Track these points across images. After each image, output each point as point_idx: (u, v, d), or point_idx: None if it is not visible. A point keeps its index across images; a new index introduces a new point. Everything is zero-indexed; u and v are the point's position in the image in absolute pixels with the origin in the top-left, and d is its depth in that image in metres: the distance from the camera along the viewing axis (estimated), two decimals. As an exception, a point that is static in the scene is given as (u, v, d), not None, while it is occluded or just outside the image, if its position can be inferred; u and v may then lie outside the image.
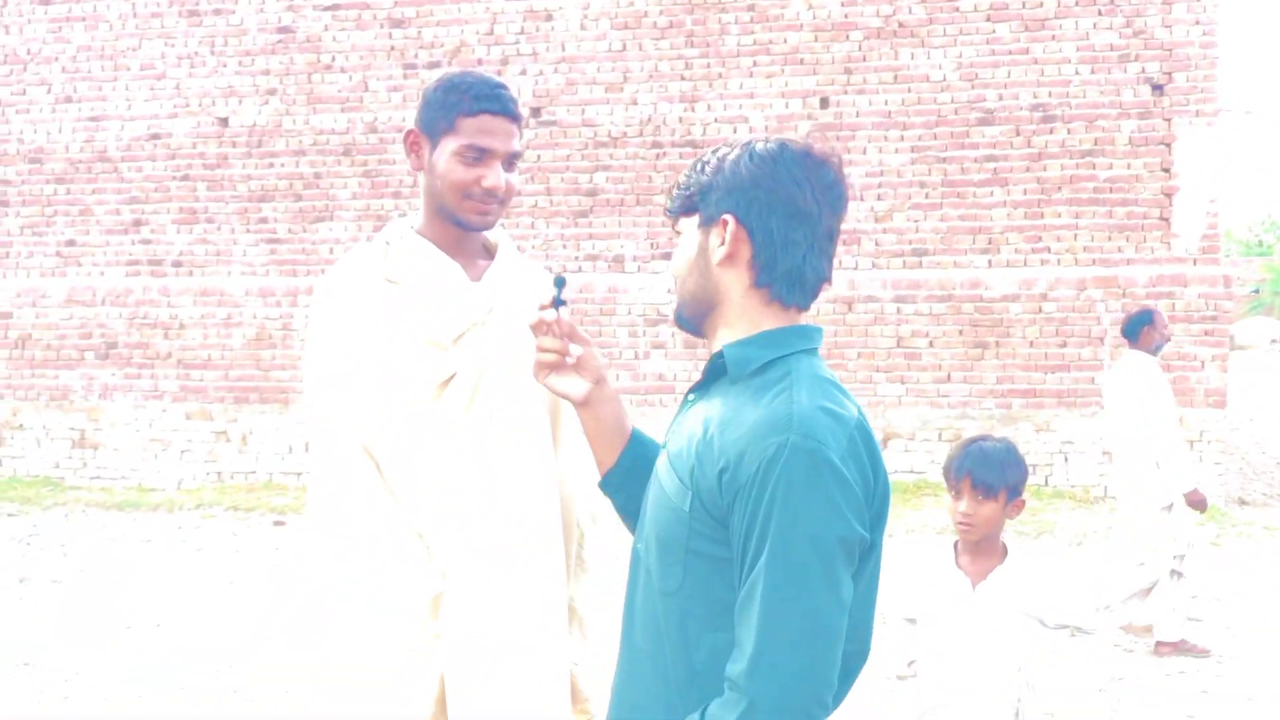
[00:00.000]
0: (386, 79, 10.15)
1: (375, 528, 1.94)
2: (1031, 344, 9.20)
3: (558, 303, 1.79)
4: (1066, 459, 9.15)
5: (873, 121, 9.44)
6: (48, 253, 10.83)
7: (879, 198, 9.45)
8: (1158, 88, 9.07)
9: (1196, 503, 5.54)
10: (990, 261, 9.32)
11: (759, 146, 1.60)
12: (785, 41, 9.53)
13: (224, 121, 10.43)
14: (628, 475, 1.84)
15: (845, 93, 9.48)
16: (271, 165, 10.35)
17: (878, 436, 9.03)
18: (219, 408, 10.35)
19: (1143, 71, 9.09)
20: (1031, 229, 9.26)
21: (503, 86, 2.00)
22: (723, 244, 1.57)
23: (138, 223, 10.62)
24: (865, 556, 1.51)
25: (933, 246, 9.38)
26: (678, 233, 1.67)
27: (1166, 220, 9.09)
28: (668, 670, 1.57)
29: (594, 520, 2.15)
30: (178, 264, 10.55)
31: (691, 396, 1.68)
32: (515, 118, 2.00)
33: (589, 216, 9.87)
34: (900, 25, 9.38)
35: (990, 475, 2.51)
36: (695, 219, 1.62)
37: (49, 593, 6.84)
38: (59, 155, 10.76)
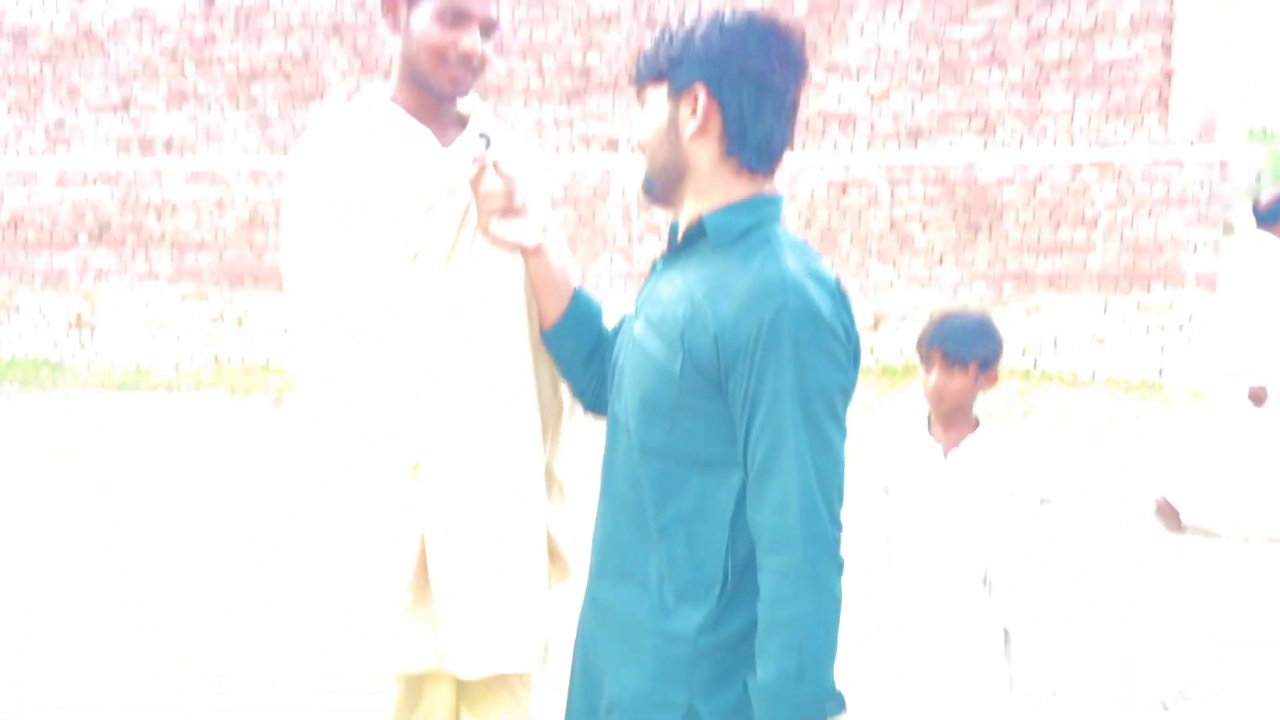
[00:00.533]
0: (375, -46, 9.92)
1: (357, 398, 1.99)
2: (1024, 227, 9.19)
3: (489, 146, 1.82)
4: (1056, 342, 9.22)
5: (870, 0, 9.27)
6: (36, 133, 10.73)
7: (875, 78, 9.33)
8: (1162, -36, 8.88)
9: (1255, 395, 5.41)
10: (986, 144, 9.25)
11: (728, 18, 1.62)
12: (783, -85, 9.29)
13: (210, 0, 10.23)
14: (572, 329, 1.93)
15: (843, -31, 9.28)
16: (260, 44, 10.18)
17: (869, 320, 9.11)
18: (214, 289, 10.37)
19: (1147, -53, 8.89)
20: (1028, 111, 9.17)
21: None
22: (694, 115, 1.61)
23: (126, 102, 10.49)
24: None
25: (928, 128, 9.30)
26: (643, 101, 1.69)
27: (1165, 102, 9.00)
28: (646, 519, 1.66)
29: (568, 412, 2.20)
30: (168, 144, 10.46)
31: (660, 264, 1.74)
32: None
33: (581, 97, 9.76)
34: (901, -102, 9.14)
35: (961, 347, 2.56)
36: (664, 88, 1.65)
37: (61, 469, 6.98)
38: (44, 33, 10.57)
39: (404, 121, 2.00)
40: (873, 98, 9.34)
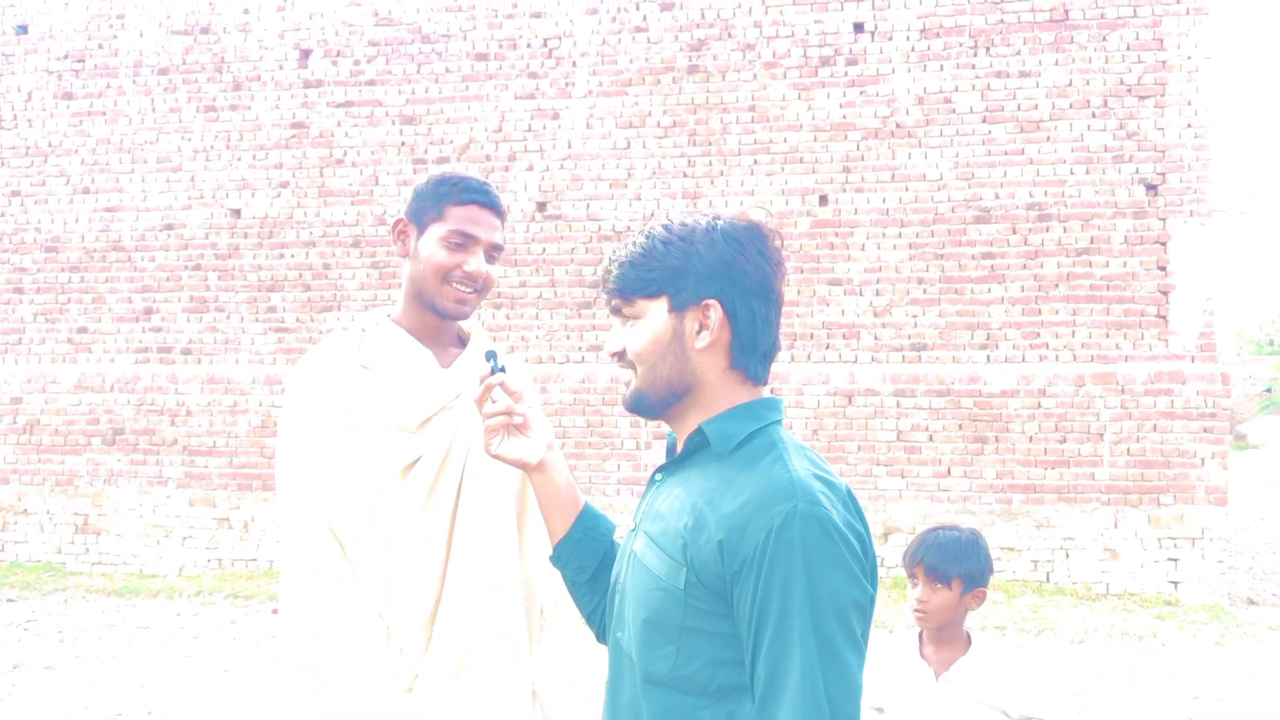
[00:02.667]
0: (396, 174, 10.39)
1: (336, 609, 1.99)
2: (1031, 439, 9.22)
3: (495, 369, 1.82)
4: (1068, 555, 9.10)
5: (871, 219, 9.61)
6: (59, 339, 11.00)
7: (877, 293, 9.57)
8: (1152, 188, 9.23)
9: None
10: (989, 357, 9.40)
11: (721, 227, 1.62)
12: (785, 141, 9.75)
13: (236, 213, 10.67)
14: (579, 545, 1.84)
15: (844, 190, 9.66)
16: (282, 256, 10.55)
17: (879, 530, 9.04)
18: (222, 494, 10.40)
19: (1136, 172, 9.26)
20: (1029, 325, 9.35)
21: (489, 185, 2.13)
22: (706, 329, 1.59)
23: (149, 311, 10.80)
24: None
25: (931, 341, 9.47)
26: (628, 316, 1.66)
27: (1164, 318, 9.18)
28: None
29: (556, 605, 2.20)
30: (187, 351, 10.70)
31: (659, 476, 1.70)
32: (500, 214, 2.13)
33: (592, 308, 10.01)
34: (898, 126, 9.60)
35: (943, 563, 2.55)
36: (662, 302, 1.61)
37: (42, 679, 6.83)
38: (75, 245, 10.99)
39: (404, 341, 2.09)
40: (876, 311, 9.56)
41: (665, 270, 1.60)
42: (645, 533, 1.62)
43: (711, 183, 9.84)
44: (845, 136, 9.68)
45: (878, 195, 9.61)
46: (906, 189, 9.56)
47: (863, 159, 9.65)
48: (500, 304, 10.14)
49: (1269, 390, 36.41)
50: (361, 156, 10.47)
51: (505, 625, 2.03)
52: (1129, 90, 9.30)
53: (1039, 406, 9.22)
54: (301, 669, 2.02)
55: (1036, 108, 9.41)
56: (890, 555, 9.13)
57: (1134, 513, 9.04)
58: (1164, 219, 9.19)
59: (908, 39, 9.62)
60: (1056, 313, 9.31)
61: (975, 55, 9.51)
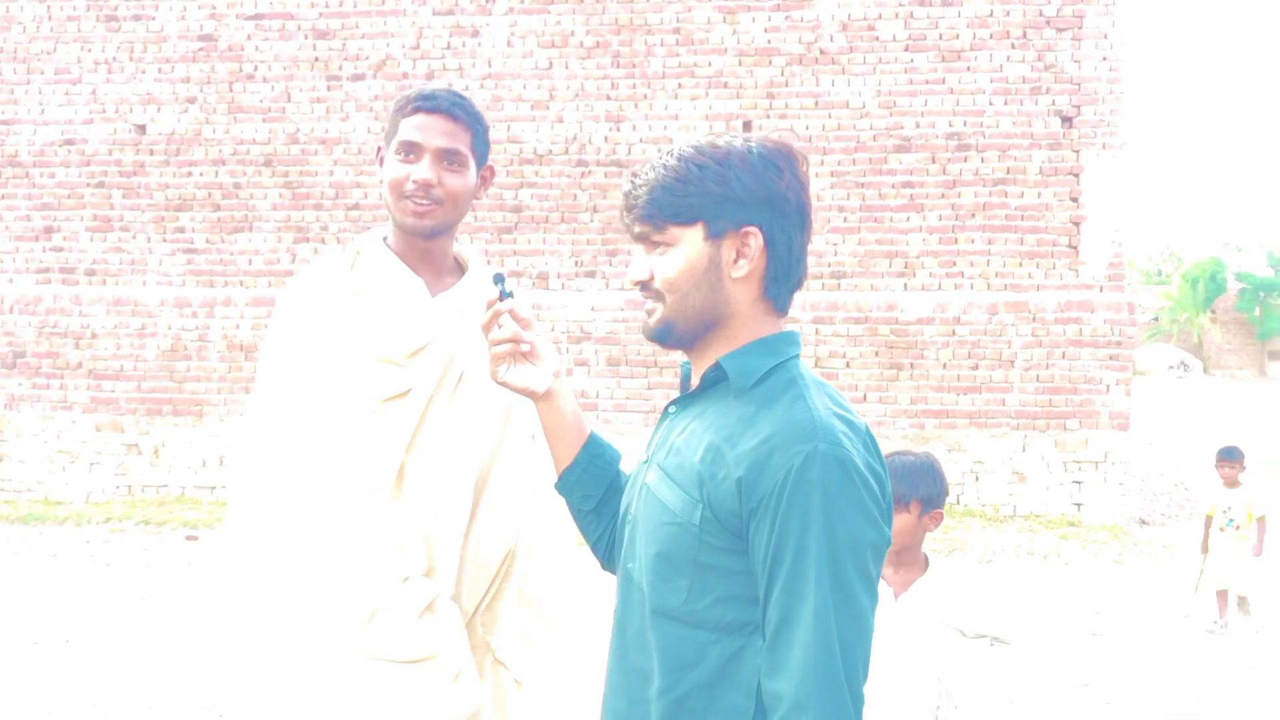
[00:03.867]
0: (309, 90, 10.07)
1: (302, 537, 1.95)
2: (945, 366, 9.43)
3: (504, 294, 1.76)
4: (978, 478, 9.38)
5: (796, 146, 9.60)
6: (-47, 258, 10.52)
7: (799, 220, 9.61)
8: (1067, 120, 9.39)
9: None
10: (906, 285, 9.54)
11: (757, 149, 1.55)
12: (710, 65, 9.67)
13: (141, 129, 10.25)
14: (585, 474, 1.80)
15: (768, 117, 9.65)
16: (190, 174, 10.19)
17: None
18: (130, 420, 10.12)
19: (1053, 104, 9.40)
20: (946, 254, 9.51)
21: (447, 91, 2.02)
22: (744, 258, 1.54)
23: (49, 230, 10.37)
24: None
25: (850, 269, 9.58)
26: (656, 243, 1.58)
27: (1075, 248, 9.40)
28: (663, 687, 1.53)
29: (530, 554, 2.13)
30: (91, 272, 10.32)
31: (672, 409, 1.66)
32: (453, 117, 2.00)
33: (513, 233, 9.89)
34: (822, 52, 9.59)
35: (901, 486, 2.59)
36: (699, 229, 1.54)
37: (-50, 609, 6.64)
38: (-33, 158, 10.46)
39: (394, 267, 2.02)
40: (797, 239, 9.61)
41: (702, 195, 1.53)
42: (659, 465, 1.59)
43: (635, 106, 9.73)
44: (770, 62, 9.64)
45: (801, 122, 9.62)
46: (829, 116, 9.58)
47: (787, 85, 9.63)
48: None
49: (1156, 319, 37.74)
50: (273, 72, 10.11)
51: (500, 528, 2.04)
52: (1047, 22, 9.40)
53: (953, 334, 9.41)
54: (252, 594, 1.98)
55: (958, 37, 9.46)
56: (807, 479, 9.30)
57: (1041, 437, 9.33)
58: (1078, 151, 9.37)
59: (833, -36, 9.56)
60: (973, 242, 9.48)
61: (899, -18, 9.50)
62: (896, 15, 9.51)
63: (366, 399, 1.95)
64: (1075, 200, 9.38)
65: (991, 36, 9.44)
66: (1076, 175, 9.37)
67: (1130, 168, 10.30)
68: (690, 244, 1.55)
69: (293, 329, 2.00)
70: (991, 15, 9.43)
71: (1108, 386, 9.30)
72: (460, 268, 2.13)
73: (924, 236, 9.51)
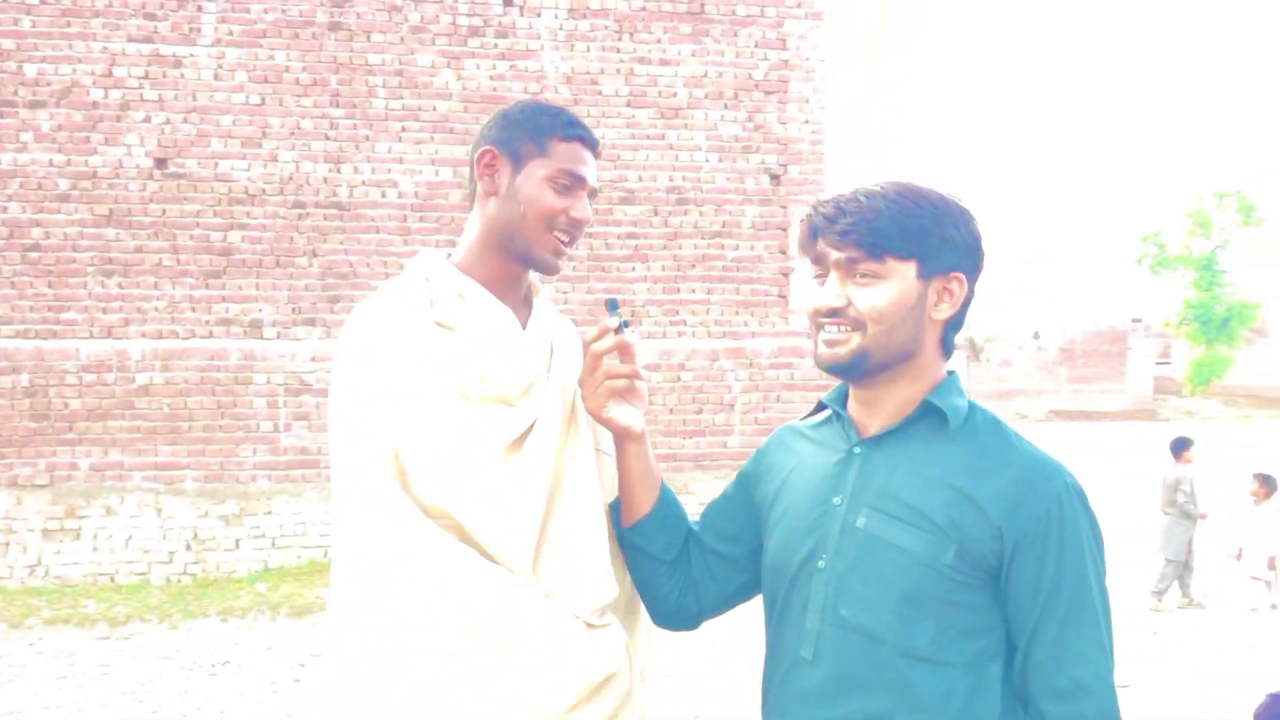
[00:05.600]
0: (-23, 115, 8.94)
1: (488, 587, 1.66)
2: (671, 411, 9.68)
3: (622, 325, 1.68)
4: (703, 520, 9.66)
5: (521, 194, 9.60)
6: None
7: (527, 268, 9.60)
8: (775, 177, 9.97)
9: None
10: (636, 333, 9.72)
11: (958, 200, 1.63)
12: (435, 109, 9.49)
13: None
14: (665, 521, 1.77)
15: (494, 164, 9.56)
16: None
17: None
18: None
19: (763, 162, 9.96)
20: (669, 303, 9.79)
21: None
22: (946, 301, 1.61)
23: None
24: None
25: (580, 318, 9.64)
26: (862, 273, 1.58)
27: (784, 297, 9.97)
28: None
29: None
30: None
31: (858, 450, 1.64)
32: (598, 155, 1.88)
33: (222, 277, 9.20)
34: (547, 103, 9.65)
35: None
36: (913, 266, 1.58)
37: None
38: None
39: (486, 299, 1.77)
40: (526, 287, 9.58)
41: (922, 234, 1.57)
42: (876, 509, 1.59)
43: (357, 147, 9.37)
44: (495, 110, 9.56)
45: (527, 171, 9.60)
46: (555, 166, 9.64)
47: (512, 133, 9.59)
48: (111, 271, 9.05)
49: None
50: (-69, 93, 8.91)
51: (610, 596, 1.78)
52: (756, 85, 9.97)
53: (678, 380, 9.70)
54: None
55: (676, 95, 9.84)
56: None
57: (761, 478, 9.75)
58: (785, 206, 9.97)
59: (555, 17, 9.68)
60: (694, 291, 9.82)
61: (620, 40, 9.76)
62: (618, 71, 9.75)
63: (494, 443, 1.70)
64: (784, 253, 9.96)
65: (706, 96, 9.88)
66: (785, 229, 9.96)
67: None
68: (904, 278, 1.58)
69: (380, 372, 1.69)
70: (706, 76, 9.88)
71: (818, 428, 9.88)
72: (527, 298, 1.90)
73: (649, 285, 9.76)
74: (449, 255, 1.86)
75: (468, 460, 1.69)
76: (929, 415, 1.62)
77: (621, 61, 9.76)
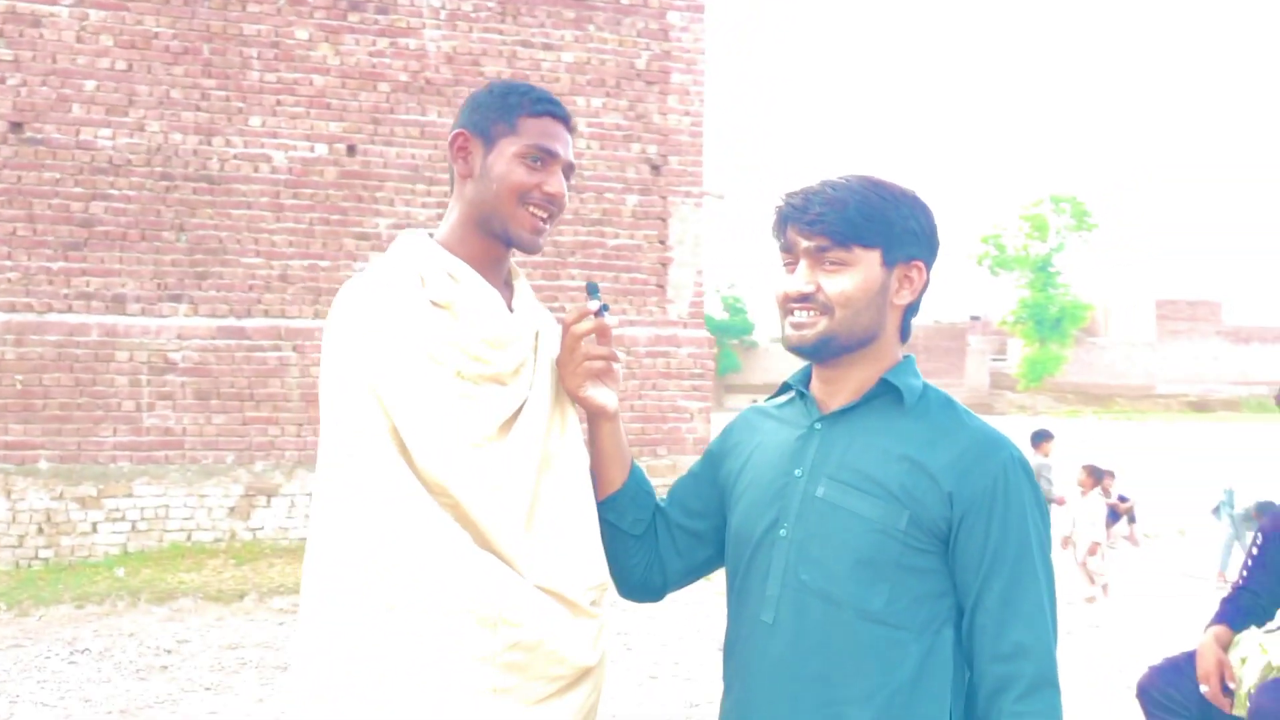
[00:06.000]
0: None
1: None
2: (548, 397, 9.68)
3: (603, 309, 1.74)
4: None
5: (400, 174, 9.46)
6: None
7: (405, 250, 9.45)
8: (655, 168, 10.07)
9: None
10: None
11: (915, 194, 1.74)
12: (311, 84, 9.26)
13: None
14: (635, 498, 1.86)
15: (373, 142, 9.40)
16: None
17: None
18: None
19: (644, 152, 10.05)
20: (549, 289, 9.79)
21: (553, 96, 1.89)
22: (907, 288, 1.72)
23: None
24: None
25: (457, 301, 9.57)
26: (829, 260, 1.68)
27: (662, 287, 10.09)
28: (870, 688, 1.62)
29: None
30: None
31: (819, 425, 1.74)
32: (571, 128, 1.88)
33: (83, 250, 8.79)
34: (428, 82, 9.53)
35: None
36: (877, 254, 1.68)
37: None
38: None
39: (474, 278, 1.78)
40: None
41: (887, 224, 1.67)
42: (834, 479, 1.68)
43: (229, 119, 9.06)
44: (375, 87, 9.41)
45: (407, 150, 9.48)
46: (435, 146, 9.54)
47: (392, 111, 9.46)
48: (-41, 238, 8.55)
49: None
50: None
51: (599, 578, 1.84)
52: (638, 74, 10.05)
53: (556, 366, 9.70)
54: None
55: (558, 80, 9.83)
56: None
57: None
58: (665, 196, 10.09)
59: (438, -5, 9.56)
60: (573, 278, 9.85)
61: (503, 22, 9.70)
62: (500, 53, 9.69)
63: (488, 422, 1.72)
64: (663, 243, 10.08)
65: (589, 83, 9.91)
66: (664, 219, 10.08)
67: (712, 214, 11.23)
68: (869, 266, 1.68)
69: (377, 349, 1.70)
70: (589, 63, 9.91)
71: (691, 415, 10.06)
72: (507, 278, 1.92)
73: (528, 271, 9.71)
74: (431, 235, 1.86)
75: (462, 438, 1.71)
76: (886, 393, 1.72)
77: (504, 44, 9.70)
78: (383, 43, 9.42)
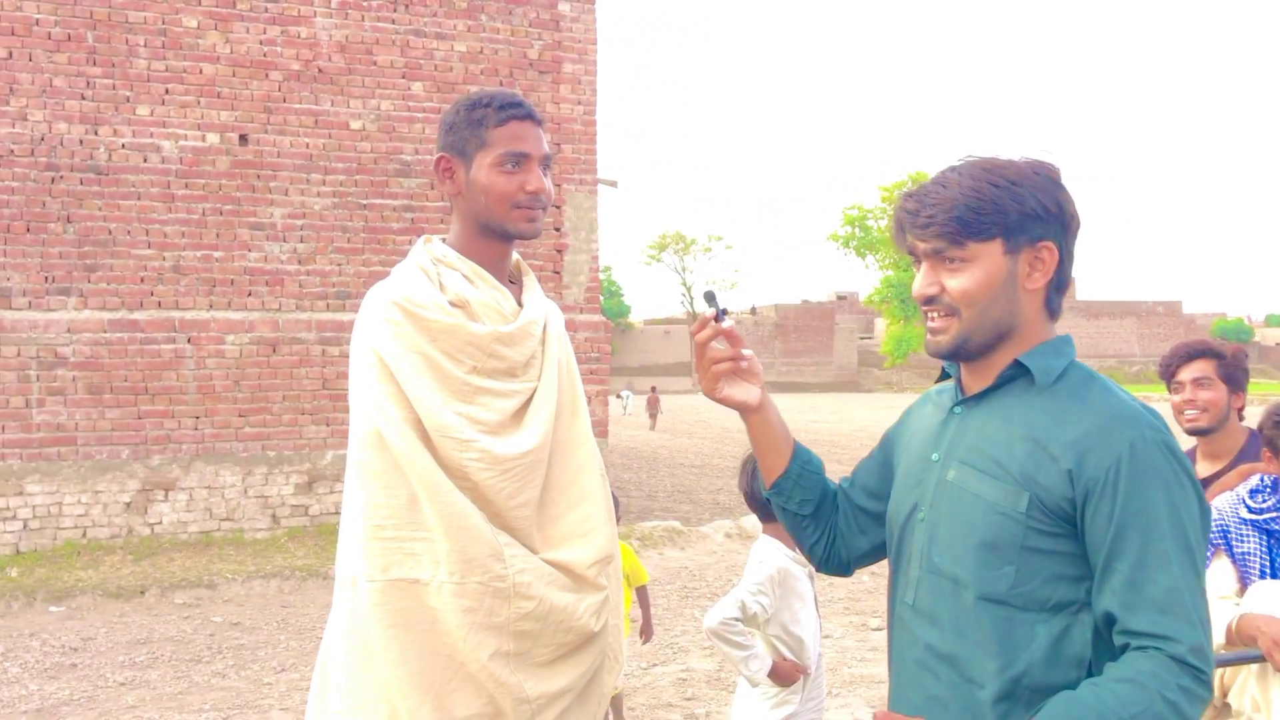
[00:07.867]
0: None
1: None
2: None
3: (720, 314, 1.78)
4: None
5: (294, 163, 9.39)
6: None
7: (301, 239, 9.42)
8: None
9: None
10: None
11: (1038, 166, 1.67)
12: (201, 72, 9.12)
13: None
14: (800, 480, 1.88)
15: (266, 131, 9.32)
16: None
17: (305, 478, 8.98)
18: None
19: (537, 140, 10.16)
20: (446, 276, 9.86)
21: (515, 94, 2.03)
22: (1038, 271, 1.65)
23: None
24: None
25: (355, 290, 9.57)
26: (950, 259, 1.65)
27: (559, 273, 10.26)
28: (997, 669, 1.59)
29: None
30: None
31: (959, 410, 1.74)
32: (539, 122, 2.02)
33: (-37, 243, 8.52)
34: (320, 71, 9.48)
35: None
36: (997, 244, 1.63)
37: None
38: None
39: (487, 280, 1.98)
40: (300, 259, 9.40)
41: (1002, 213, 1.62)
42: (962, 463, 1.68)
43: (116, 109, 8.87)
44: (266, 76, 9.32)
45: (301, 139, 9.42)
46: (330, 136, 9.50)
47: (285, 100, 9.38)
48: None
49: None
50: None
51: (610, 554, 2.07)
52: (531, 64, 10.17)
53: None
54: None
55: (452, 69, 9.88)
56: (316, 505, 9.11)
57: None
58: (560, 185, 10.24)
59: (329, -17, 9.51)
60: (470, 266, 9.93)
61: (395, 11, 9.71)
62: (393, 42, 9.69)
63: (498, 413, 1.92)
64: (559, 230, 10.24)
65: (482, 73, 9.98)
66: (559, 207, 10.23)
67: (605, 201, 11.43)
68: (990, 259, 1.64)
69: (398, 347, 1.89)
70: (482, 53, 9.98)
71: (590, 398, 10.25)
72: (512, 273, 2.12)
73: (426, 259, 9.77)
74: (443, 240, 2.05)
75: (478, 427, 1.91)
76: (1021, 375, 1.68)
77: (397, 33, 9.70)
78: (274, 31, 9.33)
